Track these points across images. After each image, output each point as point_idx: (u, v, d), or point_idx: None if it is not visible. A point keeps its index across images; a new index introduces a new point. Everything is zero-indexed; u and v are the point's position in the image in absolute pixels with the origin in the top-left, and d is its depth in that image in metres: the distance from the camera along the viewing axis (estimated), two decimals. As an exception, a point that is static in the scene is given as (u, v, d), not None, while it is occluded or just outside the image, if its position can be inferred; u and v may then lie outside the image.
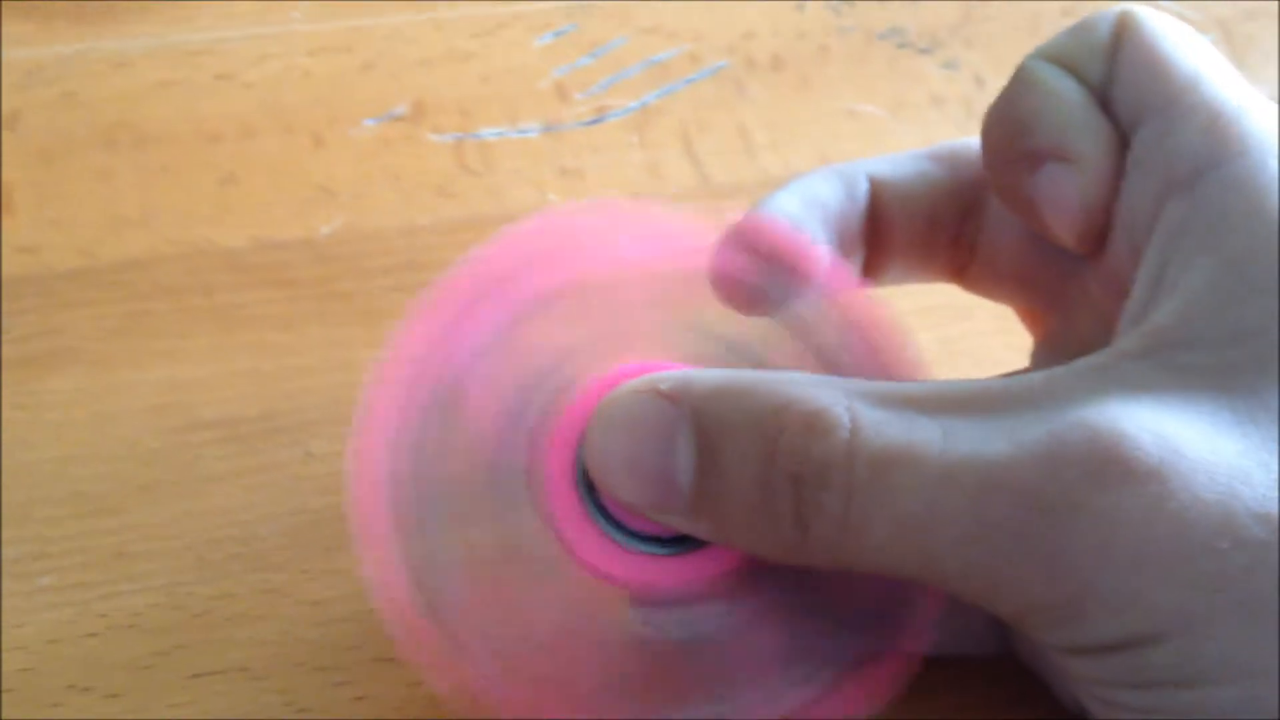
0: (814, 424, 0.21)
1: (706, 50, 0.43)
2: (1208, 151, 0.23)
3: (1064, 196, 0.25)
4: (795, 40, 0.44)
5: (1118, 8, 0.26)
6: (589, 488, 0.24)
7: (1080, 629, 0.21)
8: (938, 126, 0.42)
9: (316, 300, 0.35)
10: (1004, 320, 0.31)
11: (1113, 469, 0.20)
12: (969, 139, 0.28)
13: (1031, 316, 0.30)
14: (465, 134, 0.40)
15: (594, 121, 0.41)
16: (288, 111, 0.40)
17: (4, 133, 0.39)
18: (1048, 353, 0.29)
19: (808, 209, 0.27)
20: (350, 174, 0.39)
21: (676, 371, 0.23)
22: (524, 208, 0.38)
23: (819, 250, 0.26)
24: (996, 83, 0.42)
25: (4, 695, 0.28)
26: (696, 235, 0.26)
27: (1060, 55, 0.26)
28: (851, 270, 0.28)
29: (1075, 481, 0.20)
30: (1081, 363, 0.22)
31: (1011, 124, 0.26)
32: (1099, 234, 0.25)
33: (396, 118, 0.40)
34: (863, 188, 0.28)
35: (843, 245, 0.28)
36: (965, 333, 0.35)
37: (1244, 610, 0.20)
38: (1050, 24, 0.45)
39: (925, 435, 0.21)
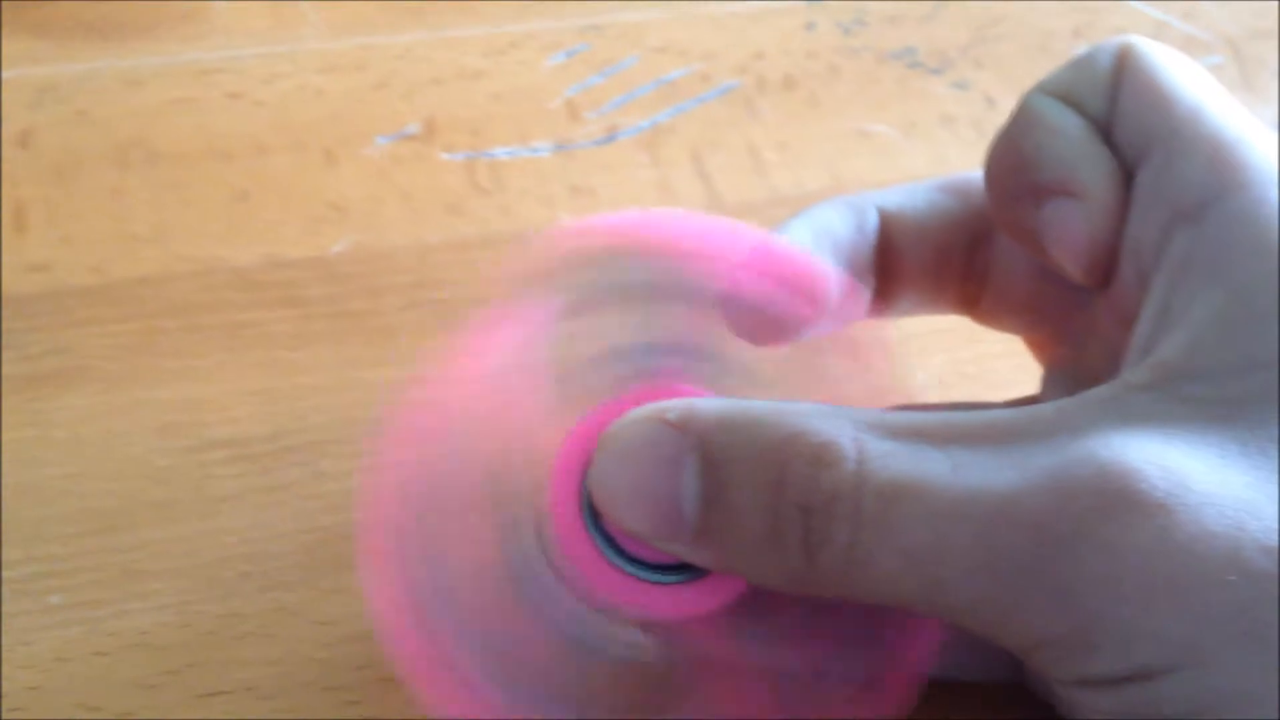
0: (822, 455, 0.21)
1: (717, 70, 0.44)
2: (1211, 184, 0.23)
3: (1069, 231, 0.25)
4: (806, 60, 0.44)
5: (1119, 40, 0.26)
6: (594, 514, 0.24)
7: (1088, 661, 0.21)
8: (948, 146, 0.42)
9: (327, 319, 0.35)
10: (1014, 343, 0.31)
11: (1120, 501, 0.20)
12: (979, 171, 0.28)
13: (1041, 347, 0.30)
14: (477, 153, 0.40)
15: (605, 140, 0.41)
16: (299, 130, 0.40)
17: (17, 151, 0.39)
18: (1057, 382, 0.29)
19: (818, 239, 0.27)
20: (361, 192, 0.39)
21: (683, 399, 0.23)
22: (535, 226, 0.38)
23: (831, 278, 0.26)
24: (1007, 103, 0.42)
25: (12, 714, 0.28)
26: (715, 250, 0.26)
27: (1062, 89, 0.26)
28: (863, 297, 0.28)
29: (1083, 514, 0.20)
30: (1089, 394, 0.22)
31: (1015, 160, 0.26)
32: (1106, 266, 0.25)
33: (408, 136, 0.40)
34: (873, 219, 0.28)
35: (853, 276, 0.27)
36: (976, 355, 0.35)
37: (1252, 642, 0.20)
38: (1061, 44, 0.45)
39: (933, 467, 0.21)
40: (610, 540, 0.24)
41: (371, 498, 0.24)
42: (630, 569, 0.23)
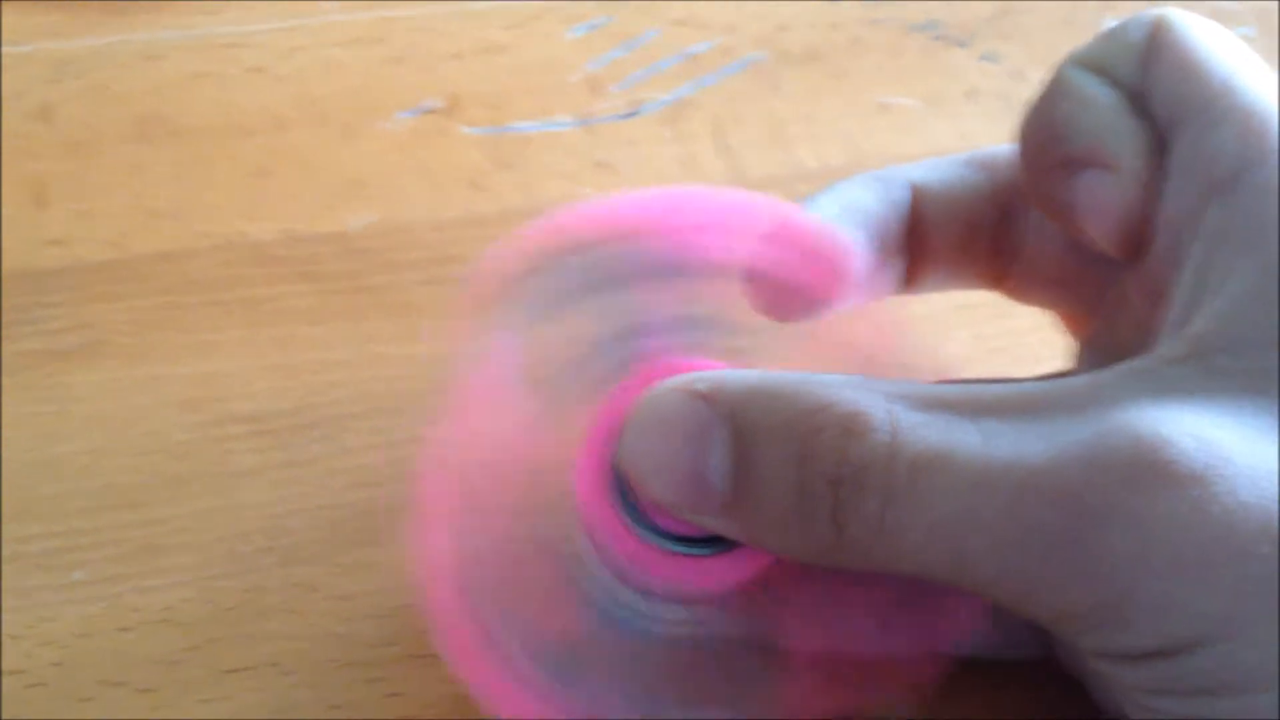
0: (852, 426, 0.21)
1: (740, 43, 0.43)
2: (1246, 154, 0.23)
3: (1102, 202, 0.25)
4: (829, 32, 0.44)
5: (1153, 11, 0.25)
6: (622, 486, 0.24)
7: (1119, 635, 0.20)
8: (972, 120, 0.42)
9: (347, 294, 0.35)
10: (1041, 318, 0.31)
11: (1154, 473, 0.20)
12: (1008, 145, 0.27)
13: (1071, 321, 0.30)
14: (498, 127, 0.40)
15: (627, 115, 0.41)
16: (319, 104, 0.40)
17: (37, 125, 0.39)
18: (1090, 357, 0.29)
19: (847, 214, 0.27)
20: (382, 167, 0.39)
21: (712, 371, 0.23)
22: (556, 202, 0.38)
23: (856, 253, 0.26)
24: (1034, 75, 0.42)
25: (36, 689, 0.28)
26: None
27: (1095, 60, 0.26)
28: (891, 272, 0.28)
29: (1115, 485, 0.20)
30: (1123, 366, 0.22)
31: (1047, 131, 0.26)
32: (1139, 239, 0.25)
33: (429, 111, 0.40)
34: (903, 194, 0.28)
35: (882, 251, 0.27)
36: (1002, 330, 0.35)
37: None
38: (1087, 15, 0.44)
39: (964, 438, 0.21)
40: (640, 513, 0.23)
41: (421, 479, 0.24)
42: (660, 541, 0.23)
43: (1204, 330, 0.22)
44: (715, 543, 0.23)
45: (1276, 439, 0.20)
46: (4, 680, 0.28)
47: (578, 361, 0.25)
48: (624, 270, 0.25)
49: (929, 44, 0.44)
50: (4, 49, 0.41)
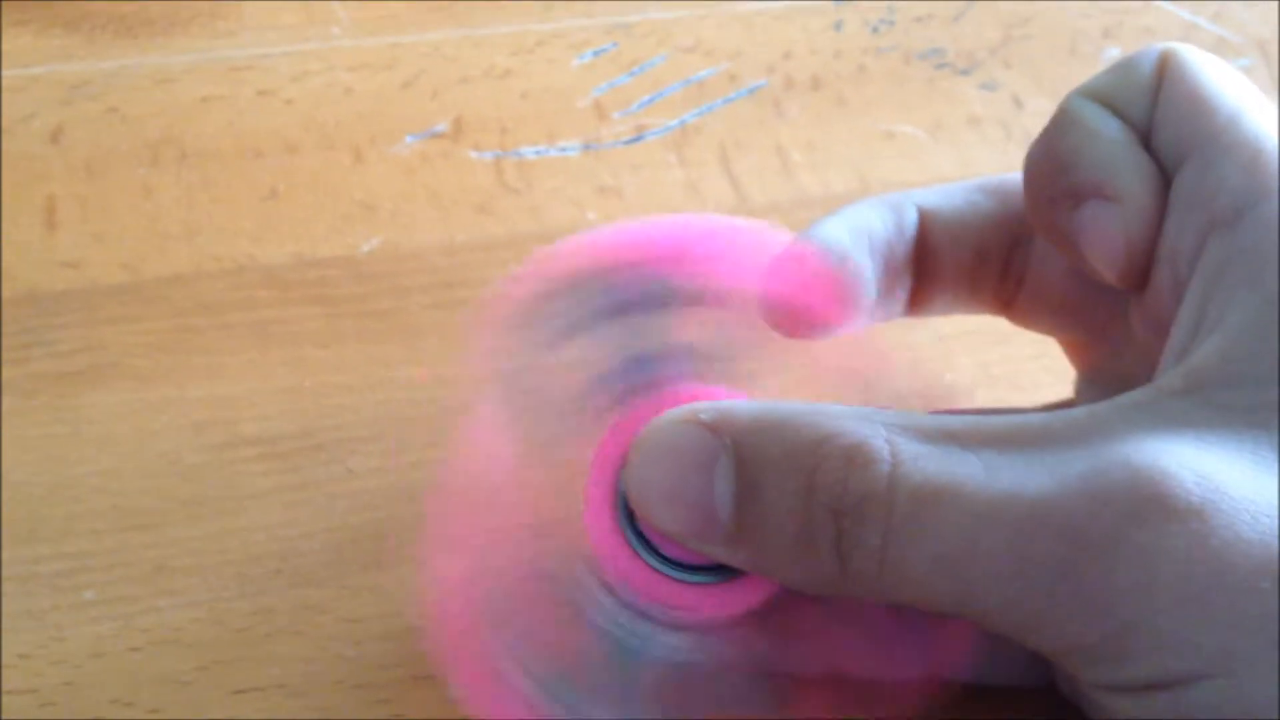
0: (854, 457, 0.21)
1: (745, 69, 0.44)
2: (1249, 189, 0.23)
3: (1106, 234, 0.25)
4: (833, 60, 0.44)
5: (1160, 46, 0.26)
6: (629, 513, 0.24)
7: (1120, 667, 0.21)
8: (976, 148, 0.42)
9: (356, 317, 0.36)
10: (1042, 345, 0.31)
11: (1154, 507, 0.20)
12: (1018, 173, 0.28)
13: (1076, 349, 0.30)
14: (505, 152, 0.40)
15: (633, 140, 0.41)
16: (329, 128, 0.40)
17: (48, 147, 0.39)
18: (1092, 386, 0.29)
19: (855, 237, 0.27)
20: (391, 191, 0.39)
21: (718, 401, 0.23)
22: (563, 226, 0.38)
23: (861, 278, 0.26)
24: (1035, 104, 0.42)
25: (47, 709, 0.28)
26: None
27: (1102, 93, 0.26)
28: (893, 299, 0.28)
29: (1117, 519, 0.20)
30: (1123, 399, 0.22)
31: (1053, 162, 0.26)
32: (1141, 271, 0.25)
33: (437, 135, 0.41)
34: (911, 218, 0.28)
35: (890, 275, 0.28)
36: (1004, 357, 0.35)
37: None
38: (1090, 45, 0.45)
39: (966, 469, 0.21)
40: (646, 540, 0.24)
41: (431, 503, 0.25)
42: (666, 569, 0.24)
43: (1203, 364, 0.22)
44: (721, 570, 0.24)
45: (1275, 473, 0.21)
46: (14, 700, 0.28)
47: (586, 388, 0.26)
48: (633, 298, 0.26)
49: (932, 72, 0.44)
50: (16, 71, 0.41)
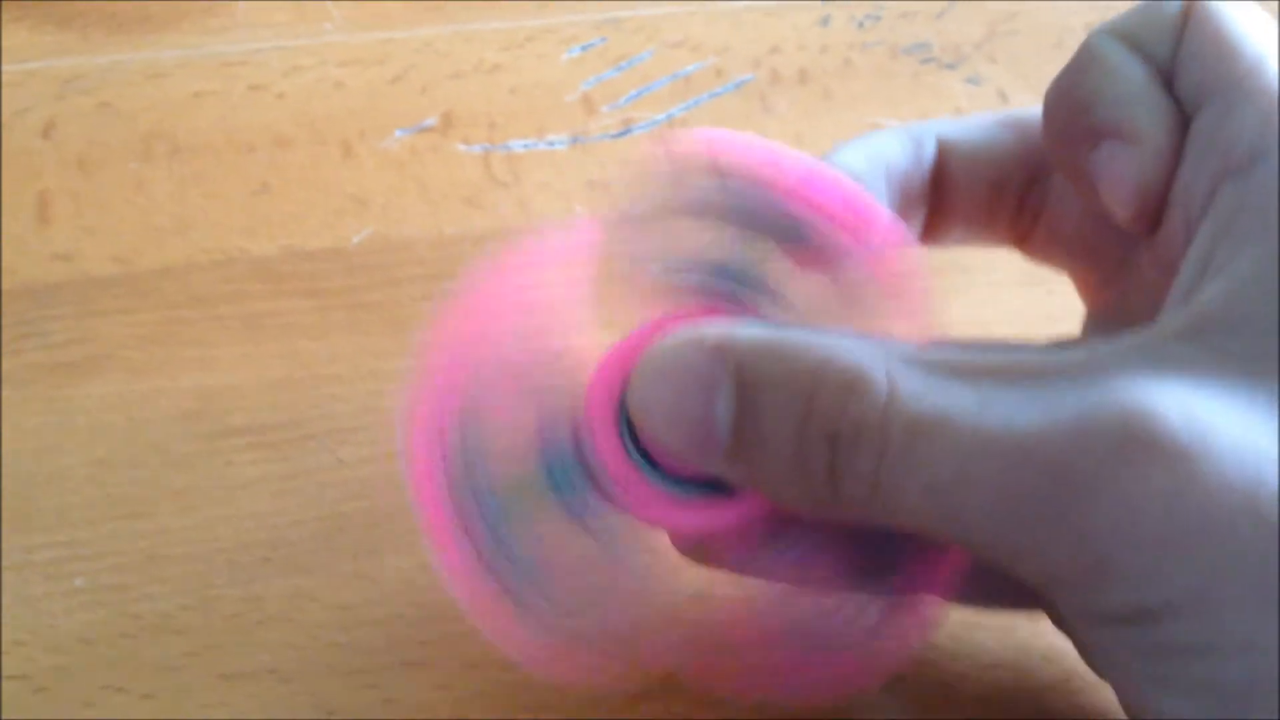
0: (853, 384, 0.22)
1: (732, 64, 0.44)
2: (1266, 137, 0.23)
3: (1121, 174, 0.25)
4: (820, 55, 0.45)
5: None
6: (631, 430, 0.24)
7: (1097, 599, 0.21)
8: (961, 141, 0.42)
9: (346, 309, 0.36)
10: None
11: (1141, 446, 0.20)
12: (1040, 108, 0.28)
13: (1087, 287, 0.30)
14: (494, 145, 0.41)
15: (621, 134, 0.41)
16: (320, 122, 0.41)
17: (41, 141, 0.40)
18: (1099, 325, 0.29)
19: (873, 165, 0.27)
20: (381, 185, 0.39)
21: (722, 324, 0.24)
22: (551, 219, 0.39)
23: (879, 208, 0.26)
24: (1020, 98, 0.43)
25: (39, 694, 0.28)
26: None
27: (1127, 32, 0.26)
28: (907, 231, 0.28)
29: (1104, 457, 0.20)
30: (1122, 339, 0.22)
31: (1074, 100, 0.26)
32: (1154, 213, 0.25)
33: (426, 129, 0.41)
34: (930, 148, 0.28)
35: (905, 204, 0.28)
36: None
37: (1261, 589, 0.20)
38: (1076, 39, 0.45)
39: (961, 403, 0.21)
40: (646, 454, 0.24)
41: (417, 401, 0.25)
42: (666, 484, 0.24)
43: (1206, 309, 0.22)
44: (721, 487, 0.24)
45: (1268, 420, 0.21)
46: (8, 685, 0.28)
47: (658, 267, 0.26)
48: (747, 212, 0.25)
49: (918, 67, 0.44)
50: (9, 66, 0.42)
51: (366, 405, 0.34)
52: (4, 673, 0.29)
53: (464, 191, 0.39)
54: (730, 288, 0.25)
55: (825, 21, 0.45)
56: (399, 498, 0.32)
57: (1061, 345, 0.23)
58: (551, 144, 0.41)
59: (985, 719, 0.29)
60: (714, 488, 0.24)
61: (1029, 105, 0.28)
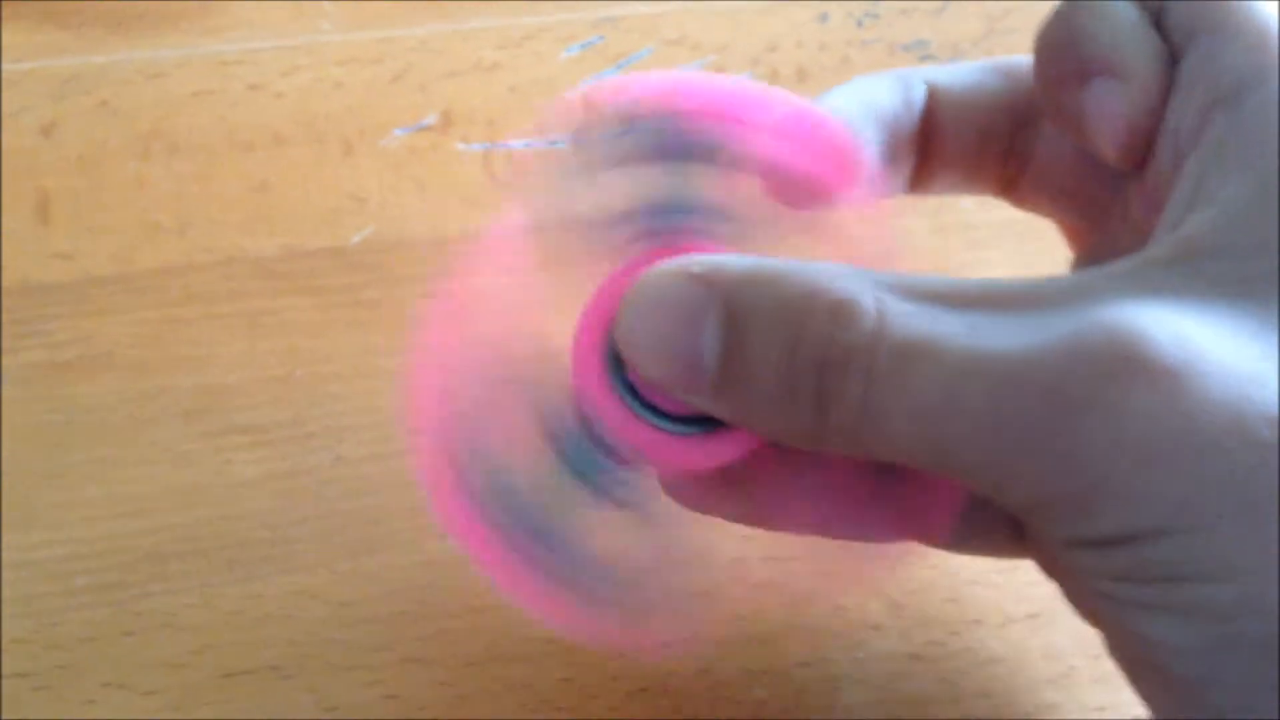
0: (841, 311, 0.22)
1: (731, 61, 0.44)
2: (1253, 69, 0.23)
3: (1111, 111, 0.25)
4: (818, 52, 0.45)
5: None
6: (619, 362, 0.24)
7: (1085, 522, 0.21)
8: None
9: (346, 308, 0.36)
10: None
11: (1129, 366, 0.20)
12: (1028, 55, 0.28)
13: (1074, 233, 0.30)
14: (493, 144, 0.41)
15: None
16: (319, 121, 0.41)
17: (41, 141, 0.40)
18: (1085, 267, 0.29)
19: (862, 110, 0.27)
20: (379, 183, 0.39)
21: (710, 255, 0.24)
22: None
23: (865, 150, 0.26)
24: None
25: (41, 691, 0.29)
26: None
27: None
28: (891, 177, 0.28)
29: (1091, 378, 0.20)
30: (1111, 266, 0.23)
31: (1063, 38, 0.26)
32: (1142, 149, 0.25)
33: (425, 128, 0.41)
34: (920, 94, 0.28)
35: (894, 150, 0.28)
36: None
37: (1247, 509, 0.20)
38: (1072, 37, 0.45)
39: (949, 328, 0.21)
40: (634, 390, 0.24)
41: (419, 435, 0.25)
42: (653, 419, 0.24)
43: (1193, 234, 0.22)
44: (708, 422, 0.24)
45: (1254, 341, 0.21)
46: (9, 683, 0.29)
47: (607, 221, 0.26)
48: (675, 146, 0.25)
49: (917, 64, 0.44)
50: (8, 66, 0.42)
51: (366, 403, 0.34)
52: (5, 671, 0.29)
53: (463, 190, 0.39)
54: (681, 222, 0.25)
55: (823, 19, 0.46)
56: (399, 495, 0.32)
57: (1049, 278, 0.23)
58: (551, 143, 0.41)
59: (984, 716, 0.29)
60: (704, 426, 0.24)
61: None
